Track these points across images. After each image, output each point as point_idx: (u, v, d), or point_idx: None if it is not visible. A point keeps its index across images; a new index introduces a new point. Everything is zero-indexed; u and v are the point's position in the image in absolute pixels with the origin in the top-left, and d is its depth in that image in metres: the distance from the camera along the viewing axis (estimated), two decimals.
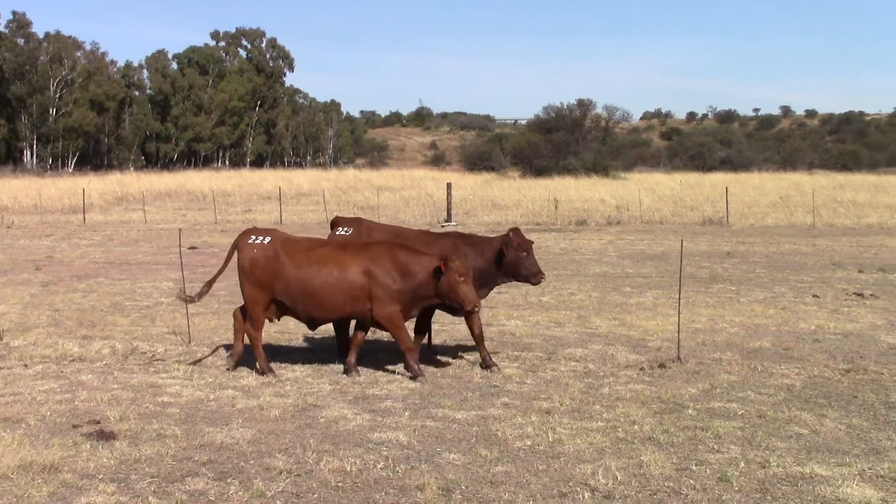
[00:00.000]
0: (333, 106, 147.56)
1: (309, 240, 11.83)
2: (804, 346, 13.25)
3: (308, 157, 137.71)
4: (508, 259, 11.86)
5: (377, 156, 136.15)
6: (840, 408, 9.91)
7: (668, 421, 9.35)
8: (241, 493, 7.27)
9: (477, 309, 11.24)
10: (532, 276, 11.98)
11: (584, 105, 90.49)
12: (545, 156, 77.96)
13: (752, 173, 77.50)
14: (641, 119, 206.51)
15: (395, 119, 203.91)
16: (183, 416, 9.51)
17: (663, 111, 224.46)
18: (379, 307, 11.01)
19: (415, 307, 11.33)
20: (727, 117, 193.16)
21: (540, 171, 73.08)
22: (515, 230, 12.04)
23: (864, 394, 10.50)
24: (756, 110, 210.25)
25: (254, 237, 11.38)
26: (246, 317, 11.45)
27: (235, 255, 11.46)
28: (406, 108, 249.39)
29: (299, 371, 11.59)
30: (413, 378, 11.06)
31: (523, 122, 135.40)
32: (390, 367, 11.69)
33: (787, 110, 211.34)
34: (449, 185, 41.64)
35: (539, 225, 38.46)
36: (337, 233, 12.82)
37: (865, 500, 7.10)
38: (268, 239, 11.33)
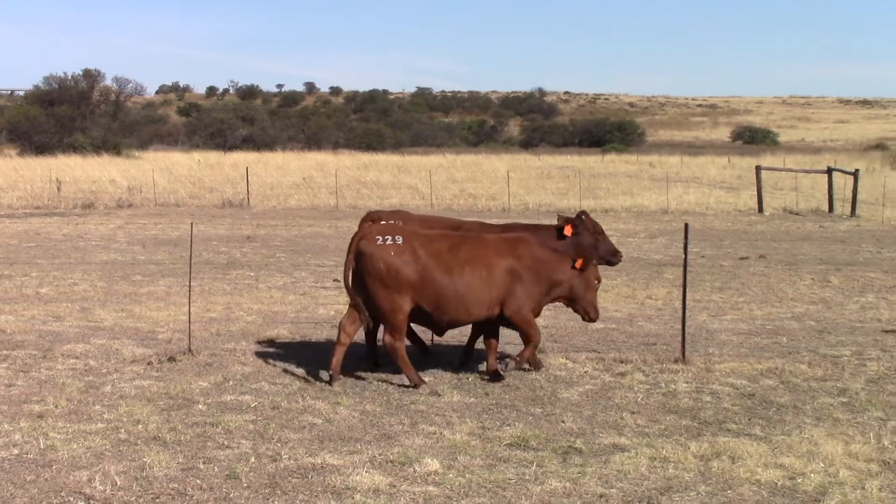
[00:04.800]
0: None
1: (447, 236, 11.17)
2: (322, 332, 13.80)
3: None
4: (586, 242, 12.12)
5: None
6: (355, 395, 10.42)
7: (175, 418, 9.38)
8: None
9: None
10: (612, 255, 12.37)
11: (91, 76, 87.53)
12: (47, 131, 74.98)
13: (275, 153, 78.92)
14: (157, 93, 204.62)
15: None
16: None
17: (181, 85, 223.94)
18: (513, 302, 10.86)
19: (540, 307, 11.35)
20: (249, 93, 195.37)
21: (41, 149, 70.17)
22: (585, 213, 12.41)
23: (378, 379, 11.11)
24: (280, 86, 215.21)
25: (380, 237, 10.61)
26: (385, 328, 10.84)
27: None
28: None
29: None
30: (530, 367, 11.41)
31: (21, 94, 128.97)
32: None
33: (311, 87, 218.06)
34: None
35: (40, 209, 36.98)
36: None
37: (374, 487, 7.53)
38: (400, 238, 10.59)
